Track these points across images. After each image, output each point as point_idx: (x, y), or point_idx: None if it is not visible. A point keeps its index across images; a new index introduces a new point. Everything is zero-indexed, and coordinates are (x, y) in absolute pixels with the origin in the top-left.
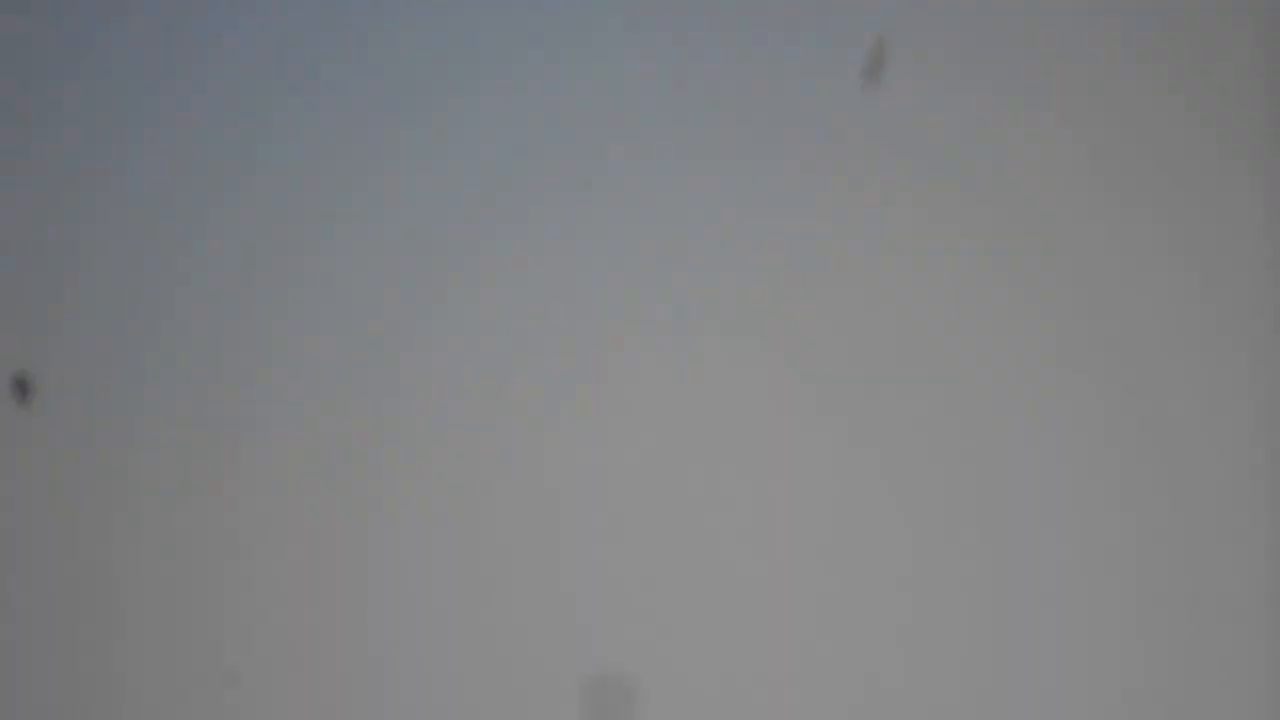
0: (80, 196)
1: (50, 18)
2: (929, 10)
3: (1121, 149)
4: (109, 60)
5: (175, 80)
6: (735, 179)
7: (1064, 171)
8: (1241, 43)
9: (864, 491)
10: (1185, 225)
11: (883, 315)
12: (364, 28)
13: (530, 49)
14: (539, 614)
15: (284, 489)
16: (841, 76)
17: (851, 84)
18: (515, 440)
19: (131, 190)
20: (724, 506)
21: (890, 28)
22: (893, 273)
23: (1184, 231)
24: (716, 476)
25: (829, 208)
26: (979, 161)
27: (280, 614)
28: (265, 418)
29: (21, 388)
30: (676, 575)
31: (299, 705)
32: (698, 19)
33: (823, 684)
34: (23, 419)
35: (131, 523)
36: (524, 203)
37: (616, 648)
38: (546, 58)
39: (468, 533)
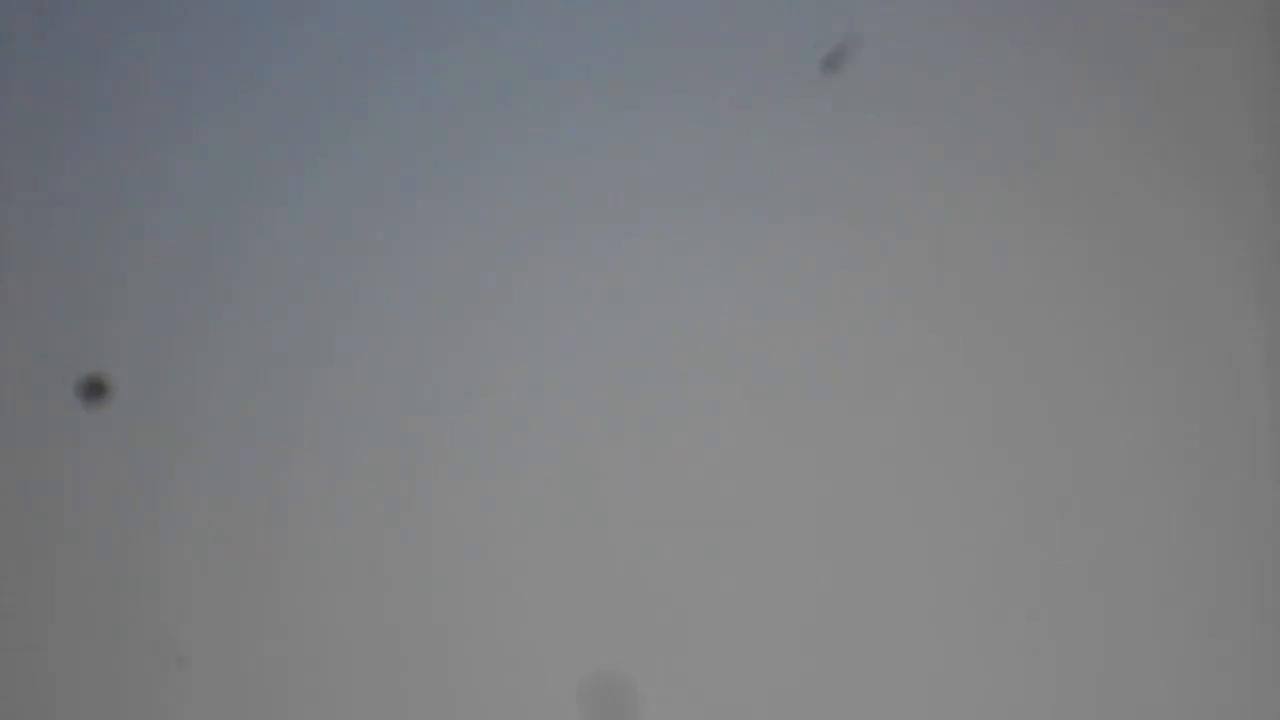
0: (132, 207)
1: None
2: (930, 86)
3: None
4: (157, 73)
5: (224, 100)
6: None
7: (1053, 176)
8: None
9: (863, 495)
10: (1179, 227)
11: (876, 329)
12: (405, 68)
13: (564, 91)
14: (540, 614)
15: (292, 492)
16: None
17: (856, 137)
18: (518, 444)
19: (181, 204)
20: (723, 510)
21: (892, 94)
22: (889, 280)
23: (1177, 234)
24: (715, 480)
25: (834, 228)
26: (965, 165)
27: (284, 614)
28: (281, 417)
29: (94, 389)
30: (677, 577)
31: (303, 703)
32: (708, 69)
33: (821, 684)
34: (76, 425)
35: (172, 530)
36: (539, 230)
37: (616, 648)
38: (576, 96)
39: (470, 534)
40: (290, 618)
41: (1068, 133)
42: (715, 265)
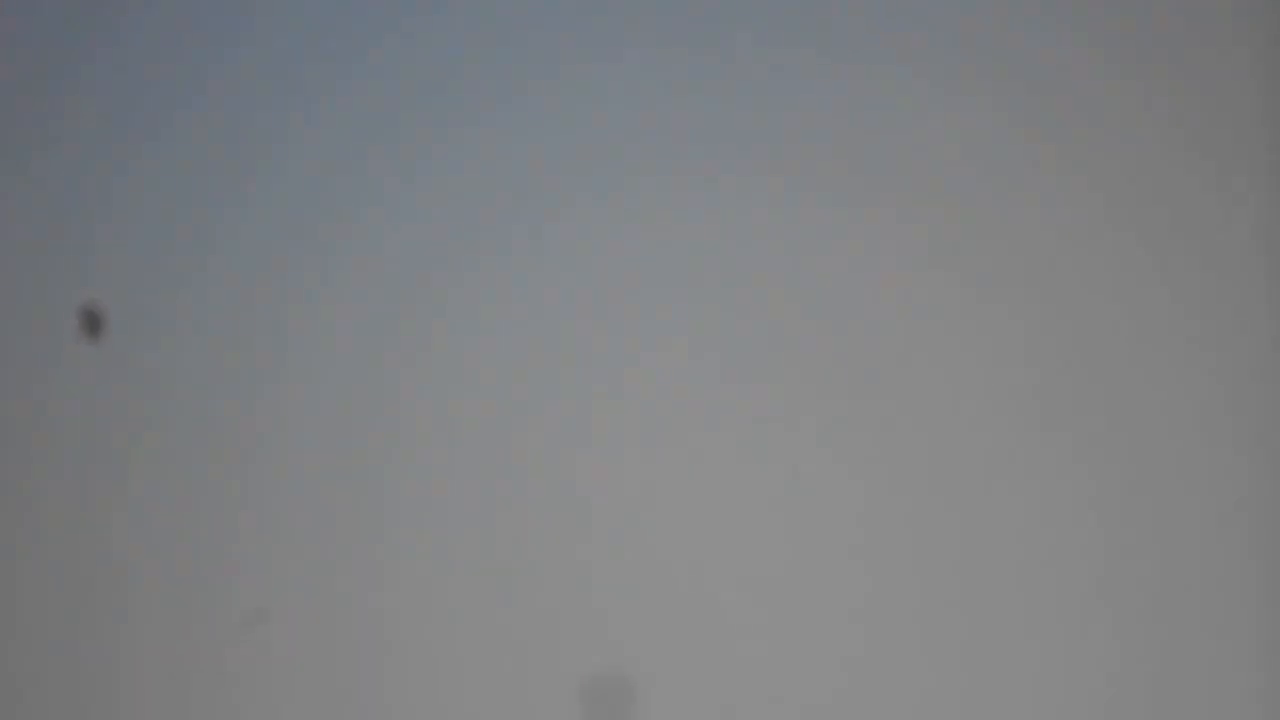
0: (101, 196)
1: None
2: (935, 44)
3: (1117, 174)
4: (123, 65)
5: (191, 86)
6: (740, 194)
7: (1056, 173)
8: (1240, 73)
9: (862, 496)
10: (1180, 229)
11: (878, 323)
12: (381, 38)
13: (549, 59)
14: (540, 614)
15: (291, 491)
16: (845, 101)
17: (857, 108)
18: (518, 444)
19: (149, 190)
20: (723, 511)
21: (891, 57)
22: (886, 281)
23: (1179, 235)
24: (715, 481)
25: (832, 227)
26: (971, 165)
27: (287, 614)
28: (279, 418)
29: (92, 321)
30: (677, 577)
31: (304, 704)
32: (708, 45)
33: (821, 684)
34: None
35: (143, 520)
36: (537, 211)
37: (616, 648)
38: (564, 70)
39: (471, 534)
40: (282, 619)
41: (1084, 112)
42: (722, 254)
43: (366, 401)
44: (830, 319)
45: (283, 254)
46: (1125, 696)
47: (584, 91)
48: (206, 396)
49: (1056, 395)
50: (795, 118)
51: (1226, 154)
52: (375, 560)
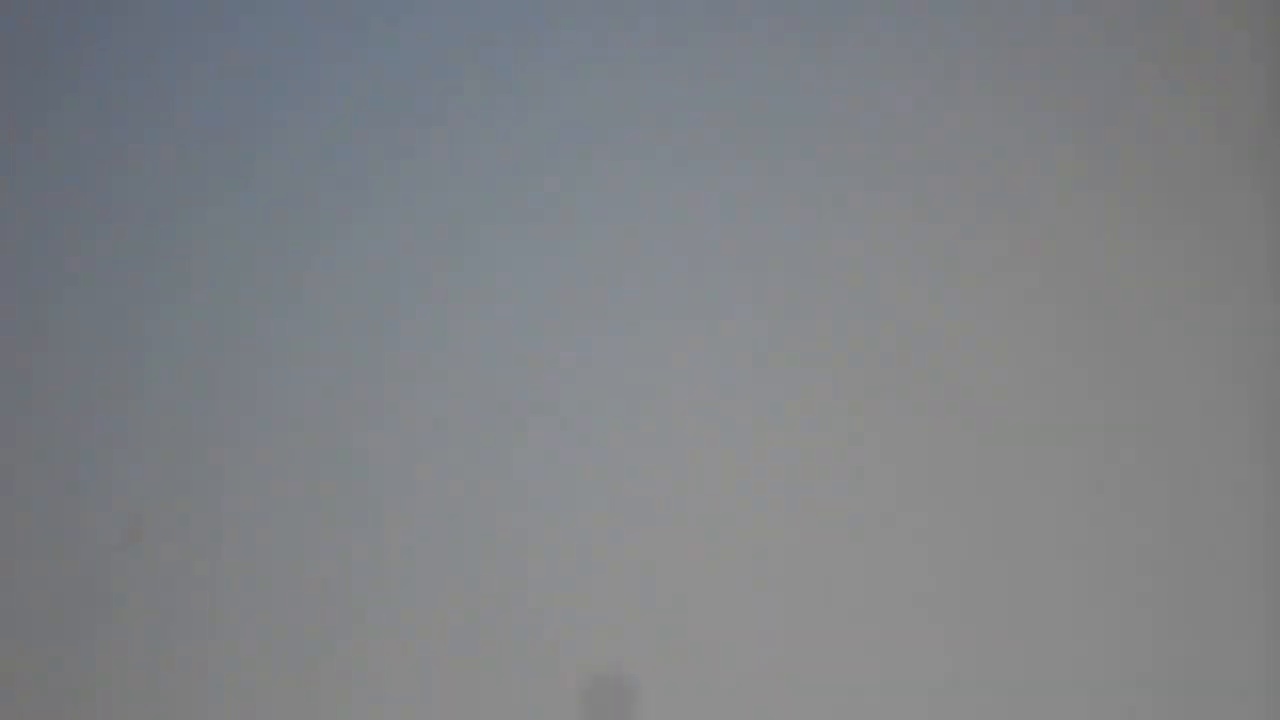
0: (82, 198)
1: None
2: (932, 19)
3: (1122, 154)
4: (109, 63)
5: (175, 84)
6: (737, 183)
7: (1064, 172)
8: (1241, 45)
9: (865, 496)
10: (1185, 227)
11: (883, 317)
12: (369, 34)
13: (540, 53)
14: (540, 614)
15: (285, 492)
16: (843, 84)
17: (851, 89)
18: (516, 442)
19: (131, 189)
20: (724, 510)
21: (891, 34)
22: (891, 275)
23: (1184, 234)
24: (715, 480)
25: (832, 210)
26: (978, 160)
27: (283, 615)
28: (262, 417)
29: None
30: (676, 577)
31: (303, 705)
32: (706, 33)
33: (821, 684)
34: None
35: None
36: (523, 207)
37: (616, 648)
38: (555, 61)
39: (469, 535)
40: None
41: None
42: (722, 252)
43: (365, 402)
44: (835, 317)
45: (259, 258)
46: (1135, 696)
47: (584, 88)
48: (186, 394)
49: (1066, 394)
50: (806, 112)
51: (1235, 153)
52: (376, 562)
